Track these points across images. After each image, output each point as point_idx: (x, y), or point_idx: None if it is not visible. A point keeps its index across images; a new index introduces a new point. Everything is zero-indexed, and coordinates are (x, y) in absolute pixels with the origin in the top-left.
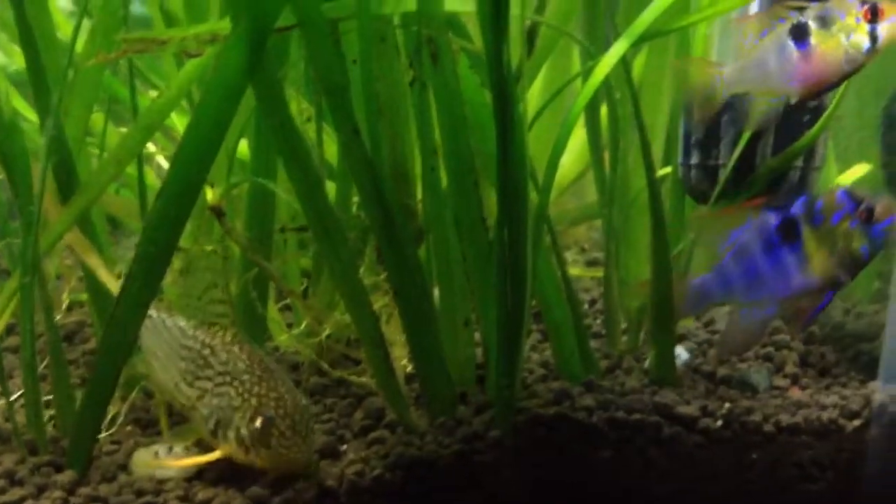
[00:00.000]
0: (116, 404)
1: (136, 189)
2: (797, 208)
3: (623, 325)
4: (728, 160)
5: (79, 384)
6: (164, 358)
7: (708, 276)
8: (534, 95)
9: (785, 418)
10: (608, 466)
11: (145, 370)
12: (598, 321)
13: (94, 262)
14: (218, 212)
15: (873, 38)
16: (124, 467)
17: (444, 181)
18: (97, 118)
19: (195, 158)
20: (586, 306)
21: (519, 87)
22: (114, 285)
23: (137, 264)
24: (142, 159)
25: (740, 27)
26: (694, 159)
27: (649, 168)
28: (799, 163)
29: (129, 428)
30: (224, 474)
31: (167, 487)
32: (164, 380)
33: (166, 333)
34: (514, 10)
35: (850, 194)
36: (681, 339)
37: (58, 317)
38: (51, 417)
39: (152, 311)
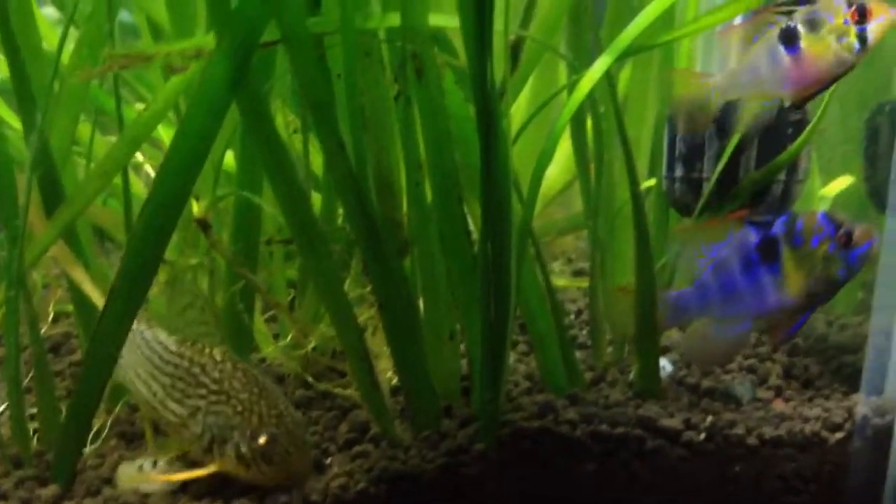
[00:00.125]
0: (101, 417)
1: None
2: (778, 227)
3: (609, 336)
4: (712, 173)
5: (65, 396)
6: (144, 374)
7: (686, 290)
8: (520, 107)
9: (768, 431)
10: (592, 480)
11: (121, 380)
12: (585, 332)
13: (79, 275)
14: (204, 224)
15: (862, 39)
16: (109, 481)
17: (429, 195)
18: (83, 128)
19: (180, 171)
20: (572, 317)
21: (503, 102)
22: (99, 299)
23: (122, 277)
24: (127, 171)
25: (728, 35)
26: (678, 172)
27: (633, 181)
28: (782, 176)
29: (113, 442)
30: (208, 488)
31: (151, 501)
32: (145, 394)
33: (146, 348)
34: (498, 25)
35: (831, 218)
36: (665, 351)
37: (44, 328)
38: (35, 431)
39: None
